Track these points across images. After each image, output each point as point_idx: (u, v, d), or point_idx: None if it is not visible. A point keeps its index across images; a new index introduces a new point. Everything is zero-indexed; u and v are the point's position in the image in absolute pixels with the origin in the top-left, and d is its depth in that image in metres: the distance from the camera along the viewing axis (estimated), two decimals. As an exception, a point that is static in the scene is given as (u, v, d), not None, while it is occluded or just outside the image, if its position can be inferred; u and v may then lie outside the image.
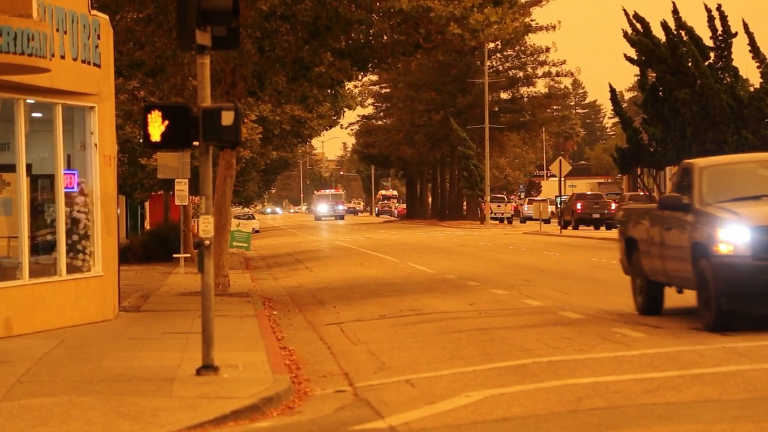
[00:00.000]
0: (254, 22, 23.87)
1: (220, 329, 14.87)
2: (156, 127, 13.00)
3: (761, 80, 45.32)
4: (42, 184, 18.68)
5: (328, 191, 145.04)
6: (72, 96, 18.35)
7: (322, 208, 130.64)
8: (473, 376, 12.89)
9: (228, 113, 12.91)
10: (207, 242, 13.10)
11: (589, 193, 75.62)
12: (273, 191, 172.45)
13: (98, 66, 18.79)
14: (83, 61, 18.26)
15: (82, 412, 10.91)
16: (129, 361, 14.30)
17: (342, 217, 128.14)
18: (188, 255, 35.78)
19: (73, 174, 18.83)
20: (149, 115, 13.03)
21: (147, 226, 57.23)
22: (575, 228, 62.08)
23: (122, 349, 15.46)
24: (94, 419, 10.59)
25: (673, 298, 19.55)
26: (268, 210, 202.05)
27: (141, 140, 15.99)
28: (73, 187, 18.74)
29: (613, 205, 62.31)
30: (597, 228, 56.97)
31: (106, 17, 19.48)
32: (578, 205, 65.59)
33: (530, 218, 75.74)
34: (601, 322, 17.34)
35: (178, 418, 10.61)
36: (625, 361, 13.39)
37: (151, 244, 41.61)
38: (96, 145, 18.99)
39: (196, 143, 13.06)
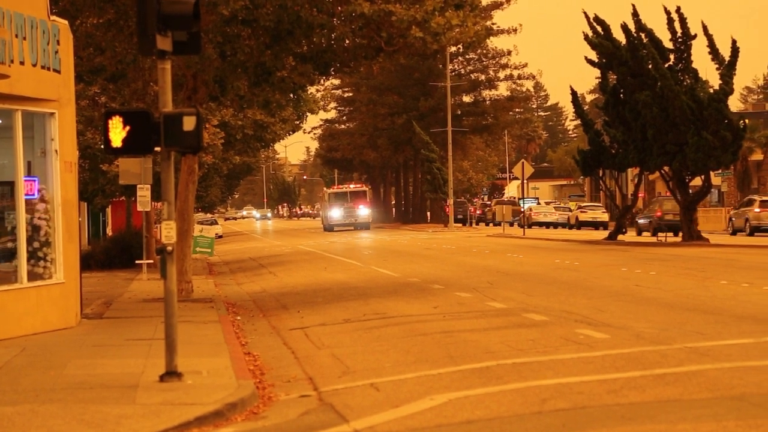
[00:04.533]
0: (215, 26, 23.79)
1: (184, 335, 14.81)
2: (117, 132, 12.92)
3: (720, 81, 45.70)
4: (2, 191, 18.52)
5: (345, 187, 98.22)
6: (32, 102, 18.21)
7: (336, 212, 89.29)
8: (438, 379, 12.91)
9: (189, 118, 12.86)
10: (169, 248, 13.04)
11: (458, 200, 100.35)
12: (236, 196, 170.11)
13: (58, 72, 18.66)
14: (43, 67, 18.12)
15: (45, 420, 10.83)
16: (92, 368, 14.20)
17: (367, 227, 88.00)
18: (151, 261, 35.61)
19: (34, 181, 18.68)
20: (110, 121, 12.95)
21: (109, 232, 56.99)
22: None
23: (85, 357, 15.35)
24: (56, 428, 10.51)
25: (628, 298, 19.60)
26: (257, 215, 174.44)
27: (102, 146, 15.86)
28: (33, 194, 18.59)
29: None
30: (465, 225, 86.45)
31: (66, 23, 19.34)
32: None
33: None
34: (564, 324, 17.41)
35: (142, 425, 10.56)
36: (588, 362, 13.45)
37: (113, 251, 41.40)
38: (56, 151, 18.85)
39: (157, 149, 13.00)
